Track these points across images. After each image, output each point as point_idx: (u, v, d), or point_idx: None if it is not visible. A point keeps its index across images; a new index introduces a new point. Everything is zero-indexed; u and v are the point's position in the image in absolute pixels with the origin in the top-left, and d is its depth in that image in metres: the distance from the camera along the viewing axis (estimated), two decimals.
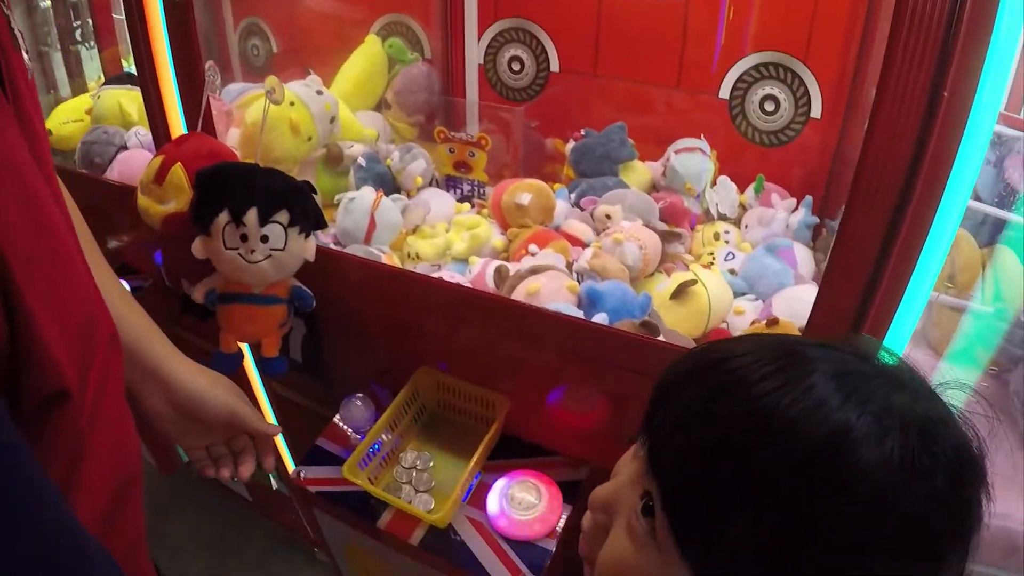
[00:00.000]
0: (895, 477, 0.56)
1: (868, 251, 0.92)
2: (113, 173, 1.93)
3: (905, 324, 0.95)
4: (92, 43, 2.52)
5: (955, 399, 0.64)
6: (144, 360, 1.11)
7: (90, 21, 2.49)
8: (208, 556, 2.45)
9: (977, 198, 1.32)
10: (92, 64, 2.55)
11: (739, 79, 1.82)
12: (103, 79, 2.45)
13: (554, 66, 2.06)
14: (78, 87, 2.52)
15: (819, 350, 0.62)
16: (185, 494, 2.57)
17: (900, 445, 0.56)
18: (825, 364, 0.60)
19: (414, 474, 1.36)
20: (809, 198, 1.69)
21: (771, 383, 0.60)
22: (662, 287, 1.46)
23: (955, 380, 0.65)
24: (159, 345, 1.13)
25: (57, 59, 2.50)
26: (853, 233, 0.93)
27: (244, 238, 1.27)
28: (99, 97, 2.16)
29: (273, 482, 2.14)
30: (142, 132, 1.97)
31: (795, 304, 1.37)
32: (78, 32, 2.49)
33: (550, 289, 1.33)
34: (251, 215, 1.25)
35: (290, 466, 1.96)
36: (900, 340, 0.96)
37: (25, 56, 0.79)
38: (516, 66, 2.12)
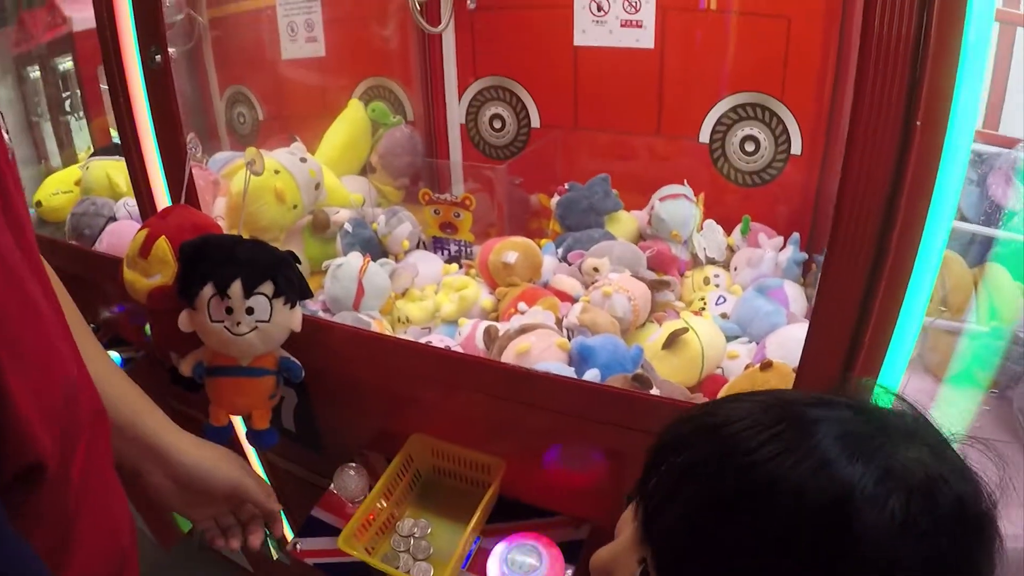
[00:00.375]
0: (898, 540, 0.55)
1: (855, 284, 0.91)
2: (102, 244, 1.93)
3: (900, 353, 0.94)
4: (81, 113, 2.52)
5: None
6: (141, 436, 1.10)
7: (79, 92, 2.49)
8: None
9: (963, 218, 1.32)
10: (82, 134, 2.54)
11: (718, 121, 1.83)
12: (92, 150, 2.45)
13: (535, 122, 2.07)
14: (68, 157, 2.52)
15: (819, 410, 0.62)
16: (185, 567, 2.53)
17: (902, 506, 0.55)
18: (827, 426, 0.60)
19: (412, 542, 1.34)
20: (796, 235, 1.69)
21: (772, 448, 0.59)
22: (653, 338, 1.45)
23: (963, 435, 0.64)
24: (155, 420, 1.12)
25: (48, 129, 2.51)
26: (838, 267, 0.92)
27: (229, 311, 1.26)
28: (88, 168, 2.17)
29: (273, 552, 2.11)
30: (131, 203, 1.97)
31: (789, 344, 1.36)
32: (67, 103, 2.49)
33: (540, 348, 1.32)
34: (235, 287, 1.24)
35: (288, 536, 1.93)
36: (897, 369, 0.95)
37: (6, 135, 0.79)
38: (497, 124, 2.13)
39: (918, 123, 0.80)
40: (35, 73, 2.46)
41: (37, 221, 2.23)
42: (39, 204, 2.22)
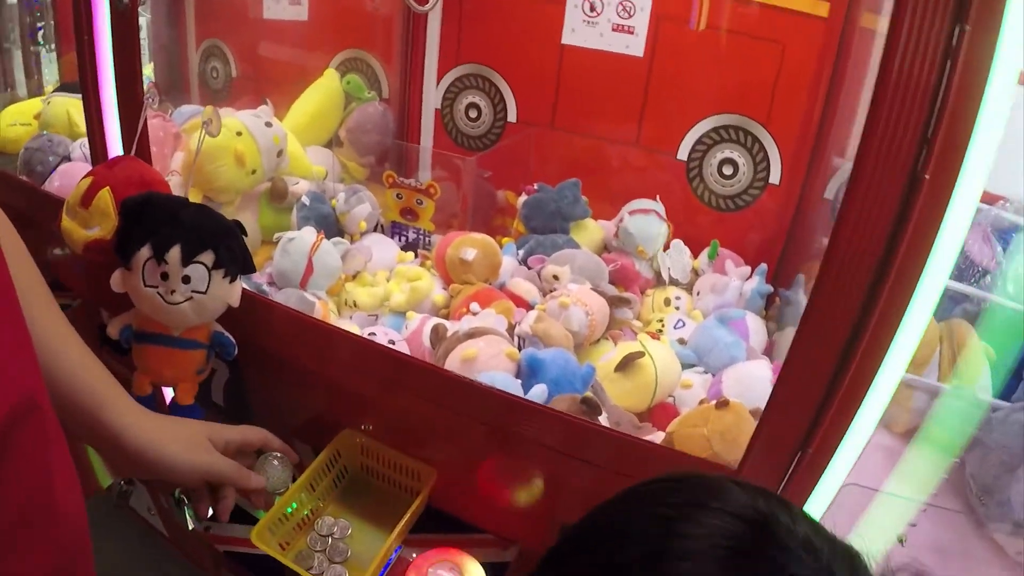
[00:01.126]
0: None
1: (837, 333, 0.86)
2: (53, 184, 1.86)
3: (873, 409, 0.89)
4: (53, 46, 2.46)
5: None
6: (100, 427, 1.04)
7: (53, 23, 2.43)
8: None
9: None
10: (51, 67, 2.50)
11: (698, 140, 1.79)
12: (59, 84, 2.40)
13: (512, 116, 2.02)
14: (35, 89, 2.47)
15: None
16: (99, 523, 2.46)
17: None
18: None
19: (329, 542, 1.27)
20: (764, 266, 1.65)
21: None
22: (607, 357, 1.39)
23: None
24: (115, 409, 1.05)
25: (17, 58, 2.45)
26: (821, 313, 0.87)
27: (165, 276, 1.19)
28: (49, 103, 2.11)
29: (190, 522, 2.04)
30: (87, 145, 1.91)
31: (746, 381, 1.32)
32: (41, 33, 2.43)
33: (487, 355, 1.26)
34: (174, 253, 1.17)
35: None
36: (866, 426, 0.90)
37: None
38: (473, 113, 2.07)
39: (926, 176, 0.75)
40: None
41: None
42: None
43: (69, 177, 1.81)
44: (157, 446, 1.07)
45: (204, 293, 1.21)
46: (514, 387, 1.21)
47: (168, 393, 1.37)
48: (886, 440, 1.21)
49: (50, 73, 2.49)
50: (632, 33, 1.78)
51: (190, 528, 2.07)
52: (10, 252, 0.91)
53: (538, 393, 1.19)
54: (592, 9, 1.79)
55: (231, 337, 1.32)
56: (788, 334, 1.45)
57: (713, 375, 1.42)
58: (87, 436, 1.04)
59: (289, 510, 1.26)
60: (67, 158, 1.95)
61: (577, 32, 1.84)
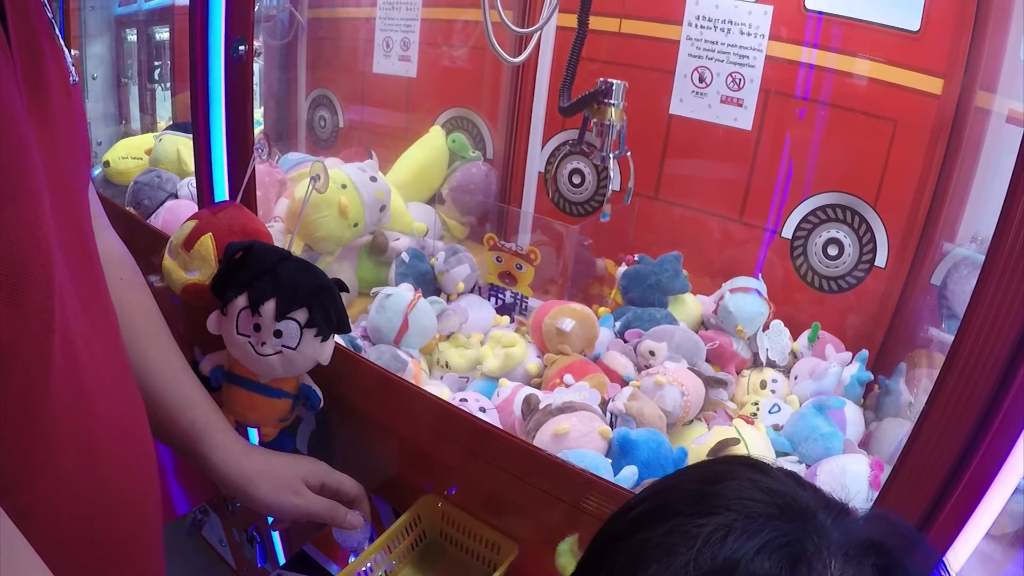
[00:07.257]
0: None
1: (955, 441, 0.81)
2: (158, 219, 1.92)
3: (984, 517, 0.84)
4: (168, 85, 2.56)
5: None
6: (198, 459, 1.13)
7: (170, 63, 2.52)
8: None
9: None
10: (165, 104, 2.60)
11: (804, 219, 1.74)
12: (172, 122, 2.48)
13: (615, 184, 1.98)
14: (148, 124, 2.56)
15: None
16: (169, 549, 2.46)
17: None
18: None
19: None
20: (865, 352, 1.58)
21: None
22: (700, 440, 1.35)
23: None
24: (211, 443, 1.13)
25: (134, 93, 2.55)
26: (941, 414, 0.82)
27: (257, 328, 1.20)
28: (160, 140, 2.18)
29: (259, 560, 2.05)
30: (195, 184, 1.96)
31: (841, 478, 1.25)
32: (157, 72, 2.53)
33: (580, 432, 1.23)
34: (268, 307, 1.18)
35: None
36: (977, 530, 0.85)
37: (67, 52, 0.77)
38: (577, 179, 2.06)
39: None
40: (132, 36, 2.50)
41: (102, 181, 2.26)
42: (107, 164, 2.25)
43: (174, 214, 1.86)
44: (247, 486, 1.12)
45: (294, 349, 1.21)
46: (604, 467, 1.18)
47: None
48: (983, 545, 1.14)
49: (163, 111, 2.58)
50: (741, 106, 1.75)
51: (259, 566, 2.07)
52: (130, 285, 1.09)
53: (628, 475, 1.16)
54: (701, 80, 1.77)
55: (318, 391, 1.32)
56: (886, 425, 1.41)
57: (808, 466, 1.36)
58: (192, 462, 1.11)
59: (363, 569, 1.24)
60: (174, 195, 2.00)
61: (685, 102, 1.82)
